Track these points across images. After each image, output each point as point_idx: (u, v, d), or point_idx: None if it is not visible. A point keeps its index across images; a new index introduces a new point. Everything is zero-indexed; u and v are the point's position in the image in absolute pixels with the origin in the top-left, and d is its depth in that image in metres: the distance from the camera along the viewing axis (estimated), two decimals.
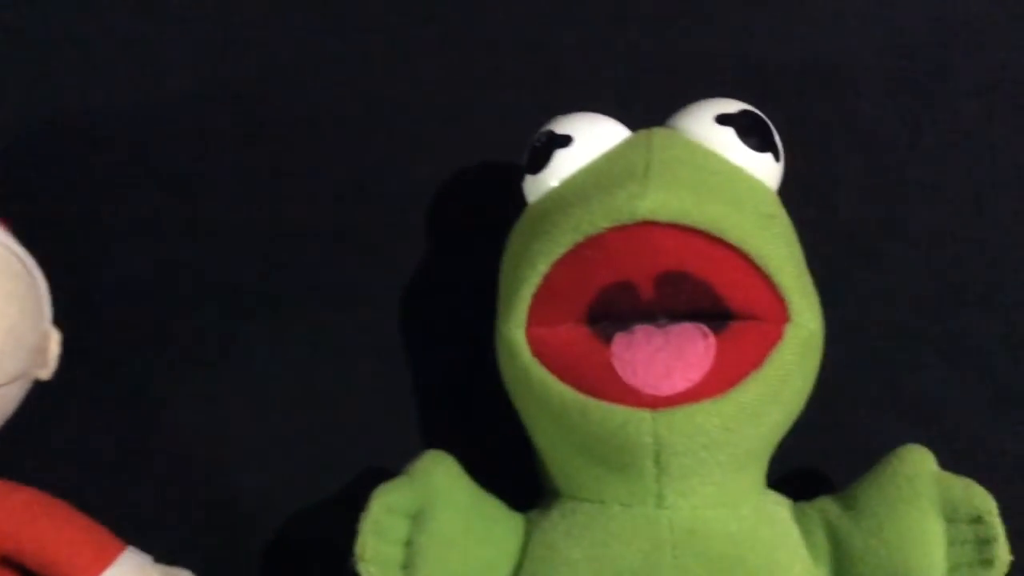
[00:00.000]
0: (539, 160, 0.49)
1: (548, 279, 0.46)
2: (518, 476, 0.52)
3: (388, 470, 0.49)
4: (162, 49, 0.59)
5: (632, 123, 0.50)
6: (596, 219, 0.45)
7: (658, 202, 0.44)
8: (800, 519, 0.48)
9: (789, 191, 0.50)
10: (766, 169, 0.48)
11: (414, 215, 0.57)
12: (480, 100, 0.58)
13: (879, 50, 0.56)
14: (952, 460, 0.48)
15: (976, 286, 0.55)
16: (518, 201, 0.50)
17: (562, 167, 0.48)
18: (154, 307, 0.58)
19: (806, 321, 0.46)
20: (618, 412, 0.45)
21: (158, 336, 0.57)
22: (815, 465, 0.55)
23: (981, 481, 0.46)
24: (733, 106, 0.49)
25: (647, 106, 0.52)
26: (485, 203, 0.55)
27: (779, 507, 0.49)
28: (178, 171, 0.58)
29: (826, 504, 0.48)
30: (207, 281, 0.58)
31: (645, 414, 0.44)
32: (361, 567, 0.46)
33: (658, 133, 0.49)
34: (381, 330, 0.57)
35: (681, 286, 0.45)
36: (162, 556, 0.52)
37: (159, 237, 0.58)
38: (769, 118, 0.50)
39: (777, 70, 0.57)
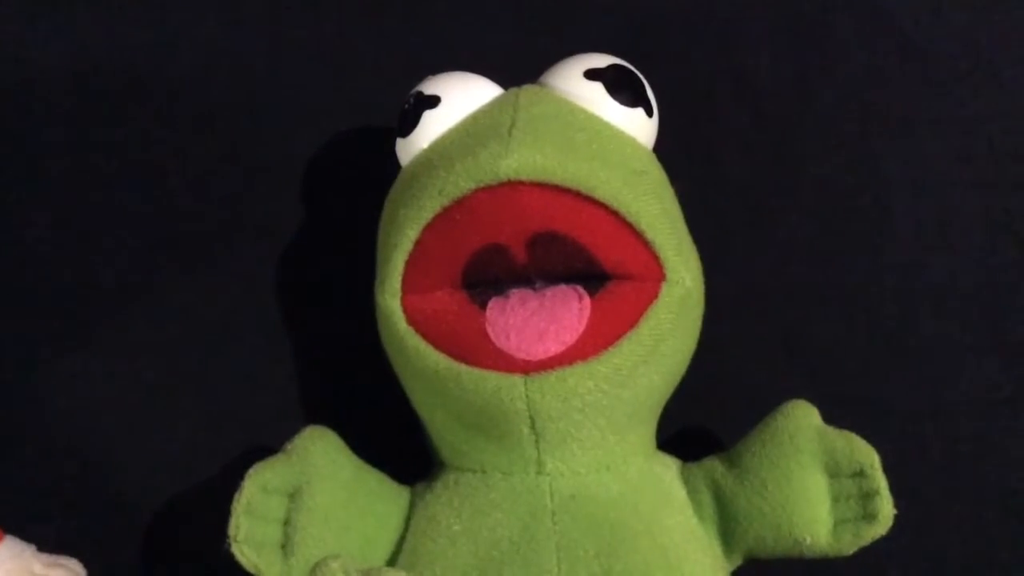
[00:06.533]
0: (408, 122, 0.47)
1: (420, 245, 0.45)
2: (410, 449, 0.51)
3: (272, 448, 0.48)
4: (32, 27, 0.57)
5: (512, 80, 0.49)
6: (460, 181, 0.44)
7: (521, 161, 0.43)
8: (687, 480, 0.48)
9: (675, 146, 0.49)
10: (638, 125, 0.47)
11: (289, 184, 0.56)
12: (356, 62, 0.56)
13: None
14: (844, 415, 0.47)
15: (867, 239, 0.55)
16: (396, 165, 0.49)
17: (431, 129, 0.47)
18: (19, 293, 0.56)
19: (681, 278, 0.45)
20: (490, 378, 0.44)
21: (25, 324, 0.56)
22: (708, 423, 0.54)
23: (873, 435, 0.46)
24: (603, 60, 0.47)
25: (526, 62, 0.50)
26: (364, 168, 0.54)
27: (666, 469, 0.48)
28: (45, 153, 0.57)
29: (712, 464, 0.48)
30: (73, 263, 0.56)
31: (517, 379, 0.43)
32: (235, 548, 0.44)
33: (526, 91, 0.47)
34: (259, 304, 0.55)
35: (553, 247, 0.44)
36: (46, 545, 0.51)
37: (21, 221, 0.56)
38: (653, 72, 0.49)
39: (661, 23, 0.55)
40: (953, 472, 0.54)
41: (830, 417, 0.47)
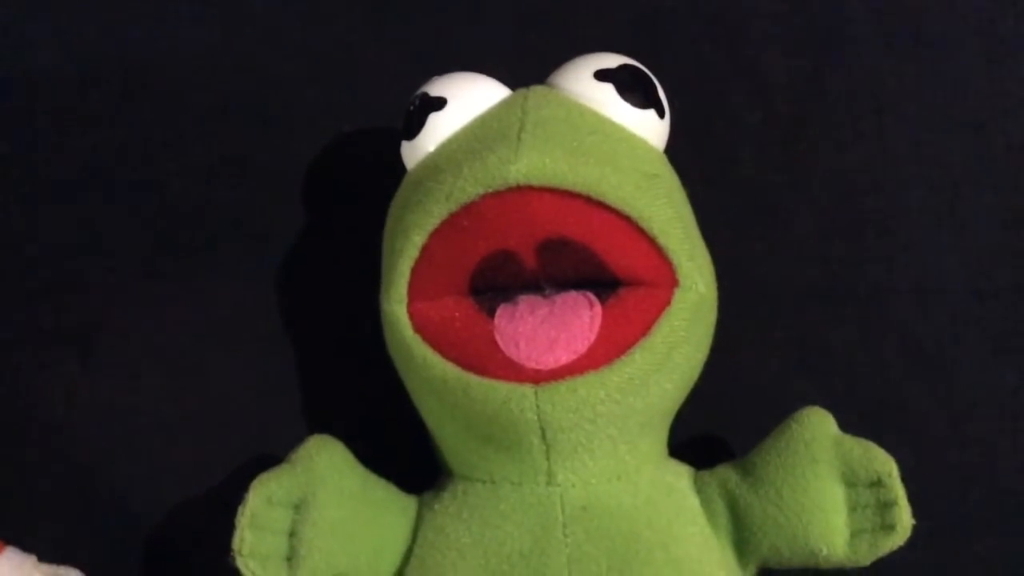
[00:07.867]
0: (414, 125, 0.46)
1: (426, 251, 0.44)
2: (417, 457, 0.50)
3: (276, 456, 0.47)
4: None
5: (519, 81, 0.48)
6: (468, 186, 0.43)
7: (531, 166, 0.42)
8: (700, 489, 0.47)
9: (686, 146, 0.48)
10: (649, 126, 0.46)
11: (292, 187, 0.55)
12: (359, 62, 0.55)
13: None
14: (860, 420, 0.47)
15: (884, 238, 0.54)
16: (401, 168, 0.48)
17: (437, 131, 0.46)
18: (18, 298, 0.55)
19: (695, 284, 0.44)
20: (500, 388, 0.43)
21: (26, 328, 0.55)
22: (721, 429, 0.53)
23: (891, 441, 0.45)
24: (613, 60, 0.46)
25: (534, 61, 0.49)
26: (368, 170, 0.53)
27: (679, 478, 0.47)
28: (44, 155, 0.56)
29: (726, 472, 0.47)
30: (72, 267, 0.55)
31: (527, 389, 0.42)
32: (240, 562, 0.44)
33: (535, 92, 0.46)
34: (263, 309, 0.54)
35: (563, 253, 0.43)
36: (48, 555, 0.50)
37: (20, 224, 0.56)
38: (663, 69, 0.48)
39: (671, 20, 0.54)
40: (968, 477, 0.53)
41: (844, 421, 0.46)
